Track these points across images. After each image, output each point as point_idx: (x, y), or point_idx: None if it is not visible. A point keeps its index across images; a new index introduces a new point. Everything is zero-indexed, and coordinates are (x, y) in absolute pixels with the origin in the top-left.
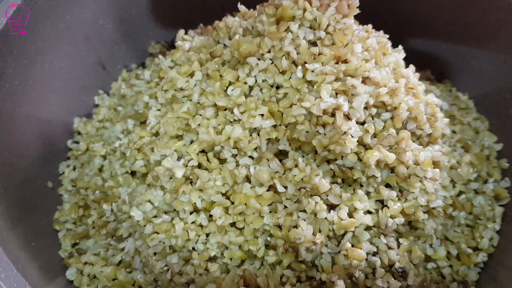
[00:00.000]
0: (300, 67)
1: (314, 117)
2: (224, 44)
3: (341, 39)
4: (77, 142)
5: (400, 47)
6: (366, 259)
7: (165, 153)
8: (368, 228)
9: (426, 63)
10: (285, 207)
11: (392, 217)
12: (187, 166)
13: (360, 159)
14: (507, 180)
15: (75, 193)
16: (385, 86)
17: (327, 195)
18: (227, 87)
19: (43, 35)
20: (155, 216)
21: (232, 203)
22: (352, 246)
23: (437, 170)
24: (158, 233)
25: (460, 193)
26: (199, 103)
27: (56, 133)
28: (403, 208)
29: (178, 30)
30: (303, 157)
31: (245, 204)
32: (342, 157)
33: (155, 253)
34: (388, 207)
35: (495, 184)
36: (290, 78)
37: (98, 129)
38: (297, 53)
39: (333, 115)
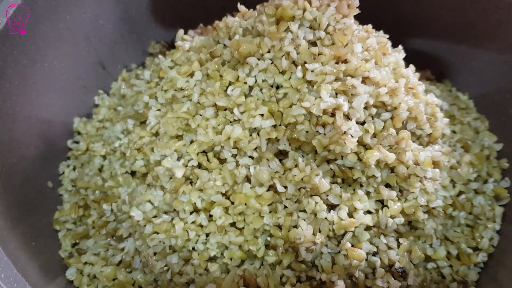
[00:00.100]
0: (300, 67)
1: (314, 117)
2: (224, 44)
3: (341, 39)
4: (77, 142)
5: (400, 47)
6: (366, 259)
7: (165, 153)
8: (368, 228)
9: (426, 63)
10: (285, 207)
11: (392, 217)
12: (187, 166)
13: (360, 159)
14: (507, 180)
15: (75, 193)
16: (385, 86)
17: (327, 195)
18: (227, 87)
19: (43, 35)
20: (155, 216)
21: (232, 203)
22: (352, 246)
23: (437, 170)
24: (158, 233)
25: (460, 193)
26: (199, 103)
27: (56, 133)
28: (403, 208)
29: (178, 30)
30: (303, 157)
31: (245, 204)
32: (342, 157)
33: (155, 253)
34: (388, 207)
35: (495, 184)
36: (290, 78)
37: (98, 129)
38: (297, 53)
39: (333, 115)
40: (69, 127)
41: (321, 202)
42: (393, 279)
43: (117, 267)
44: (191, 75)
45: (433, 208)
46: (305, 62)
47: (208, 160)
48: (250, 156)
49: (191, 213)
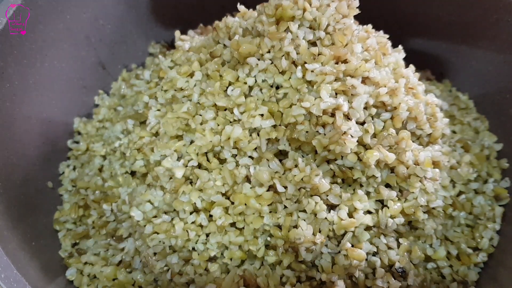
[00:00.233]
0: (299, 67)
1: (314, 117)
2: (224, 44)
3: (340, 39)
4: (77, 142)
5: (400, 47)
6: (366, 259)
7: (165, 153)
8: (368, 228)
9: (426, 63)
10: (285, 207)
11: (392, 217)
12: (187, 166)
13: (360, 159)
14: (507, 180)
15: (75, 193)
16: (385, 86)
17: (327, 195)
18: (227, 87)
19: (43, 35)
20: (155, 216)
21: (232, 203)
22: (352, 246)
23: (437, 170)
24: (158, 233)
25: (460, 193)
26: (199, 103)
27: (56, 133)
28: (403, 208)
29: (178, 30)
30: (303, 157)
31: (245, 204)
32: (342, 157)
33: (155, 253)
34: (388, 207)
35: (495, 184)
36: (290, 78)
37: (98, 129)
38: (297, 53)
39: (333, 115)
40: (69, 127)
41: (321, 202)
42: (393, 279)
43: (117, 267)
44: (191, 75)
45: (433, 208)
46: (305, 62)
47: (208, 160)
48: (250, 156)
49: (191, 213)
